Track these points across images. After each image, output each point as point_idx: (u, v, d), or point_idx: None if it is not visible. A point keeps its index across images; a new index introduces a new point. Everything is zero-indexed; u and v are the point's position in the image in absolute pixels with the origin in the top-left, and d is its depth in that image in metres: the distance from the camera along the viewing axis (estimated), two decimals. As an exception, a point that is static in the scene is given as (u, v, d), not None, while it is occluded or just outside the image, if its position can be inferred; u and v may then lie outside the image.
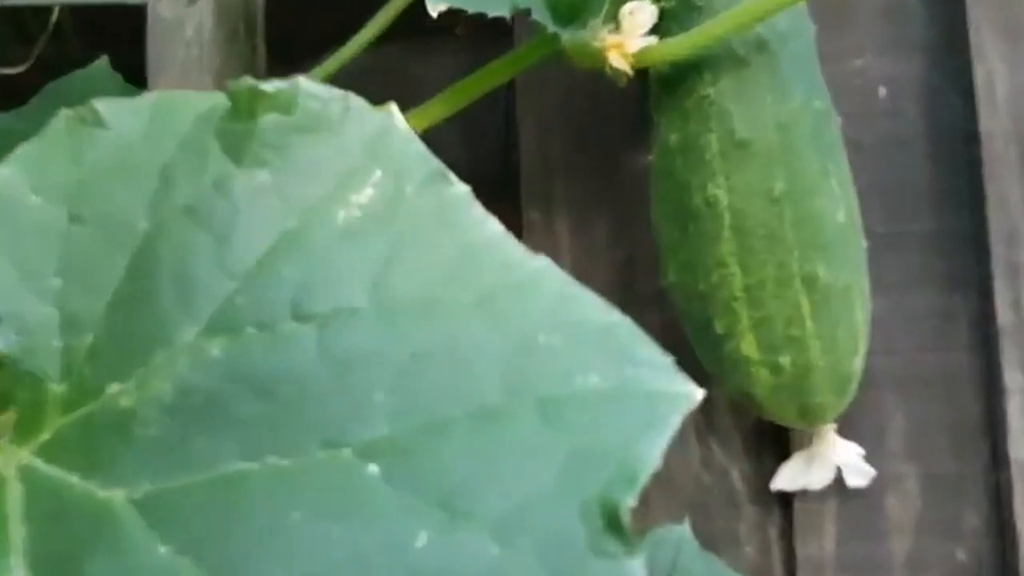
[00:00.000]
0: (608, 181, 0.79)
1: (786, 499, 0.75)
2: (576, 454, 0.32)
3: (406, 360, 0.34)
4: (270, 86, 0.37)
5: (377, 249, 0.36)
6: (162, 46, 0.65)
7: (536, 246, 0.78)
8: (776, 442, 0.76)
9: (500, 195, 0.82)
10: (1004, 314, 0.73)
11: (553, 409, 0.33)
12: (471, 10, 0.58)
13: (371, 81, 0.83)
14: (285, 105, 0.38)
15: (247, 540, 0.33)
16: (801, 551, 0.75)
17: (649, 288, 0.75)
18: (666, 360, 0.34)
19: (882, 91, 0.78)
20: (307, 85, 0.38)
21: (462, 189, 0.37)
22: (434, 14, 0.57)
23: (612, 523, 0.31)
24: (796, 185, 0.65)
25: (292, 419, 0.34)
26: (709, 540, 0.75)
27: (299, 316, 0.35)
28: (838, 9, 0.79)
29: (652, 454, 0.32)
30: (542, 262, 0.36)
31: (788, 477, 0.72)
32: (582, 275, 0.78)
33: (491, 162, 0.84)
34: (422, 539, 0.32)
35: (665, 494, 0.76)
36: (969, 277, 0.75)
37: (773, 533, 0.76)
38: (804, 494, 0.74)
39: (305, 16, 0.80)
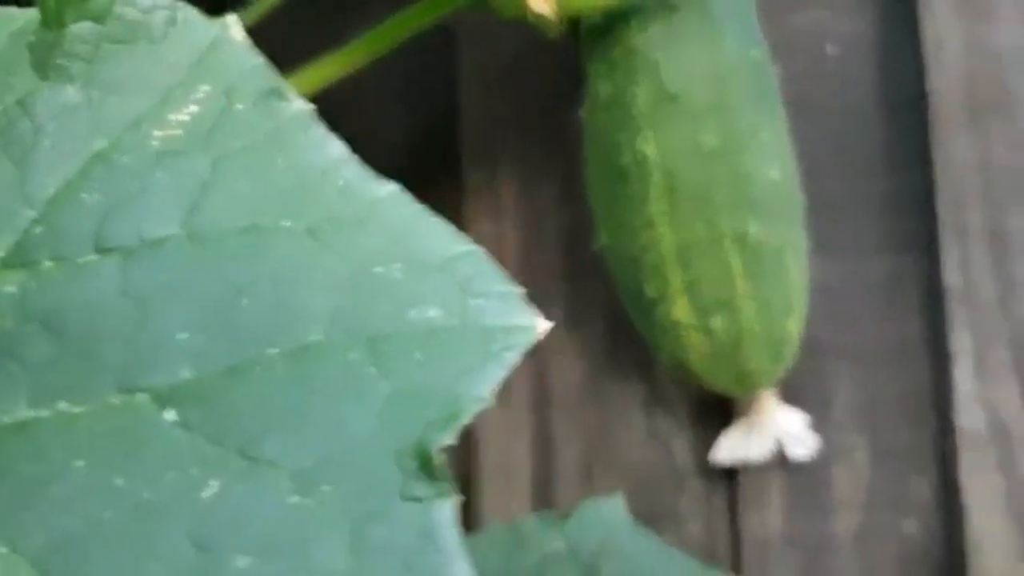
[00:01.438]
0: (556, 139, 0.73)
1: (731, 472, 0.70)
2: (400, 395, 0.27)
3: (220, 295, 0.29)
4: (83, -9, 0.32)
5: (197, 171, 0.31)
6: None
7: (479, 208, 0.74)
8: (723, 412, 0.70)
9: (444, 156, 0.76)
10: (951, 276, 0.68)
11: (383, 347, 0.28)
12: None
13: (301, 30, 0.78)
14: (99, 13, 0.32)
15: (23, 489, 0.28)
16: (746, 526, 0.70)
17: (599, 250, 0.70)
18: (513, 291, 0.29)
19: (830, 48, 0.73)
20: (126, -9, 0.33)
21: (301, 107, 0.32)
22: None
23: (424, 466, 0.26)
24: (728, 141, 0.60)
25: (87, 362, 0.29)
26: (653, 515, 0.70)
27: (102, 247, 0.30)
28: (783, -38, 0.74)
29: (480, 392, 0.27)
30: (390, 188, 0.31)
31: (727, 448, 0.67)
32: (529, 237, 0.74)
33: (434, 122, 0.78)
34: (212, 488, 0.27)
35: (608, 468, 0.72)
36: (920, 240, 0.70)
37: (718, 507, 0.71)
38: (749, 466, 0.69)
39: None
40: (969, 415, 0.67)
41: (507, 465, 0.72)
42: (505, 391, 0.75)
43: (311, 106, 0.32)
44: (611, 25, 0.62)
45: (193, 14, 0.33)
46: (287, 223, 0.30)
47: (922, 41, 0.70)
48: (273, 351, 0.28)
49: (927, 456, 0.69)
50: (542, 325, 0.28)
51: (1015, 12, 0.71)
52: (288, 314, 0.29)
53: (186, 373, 0.28)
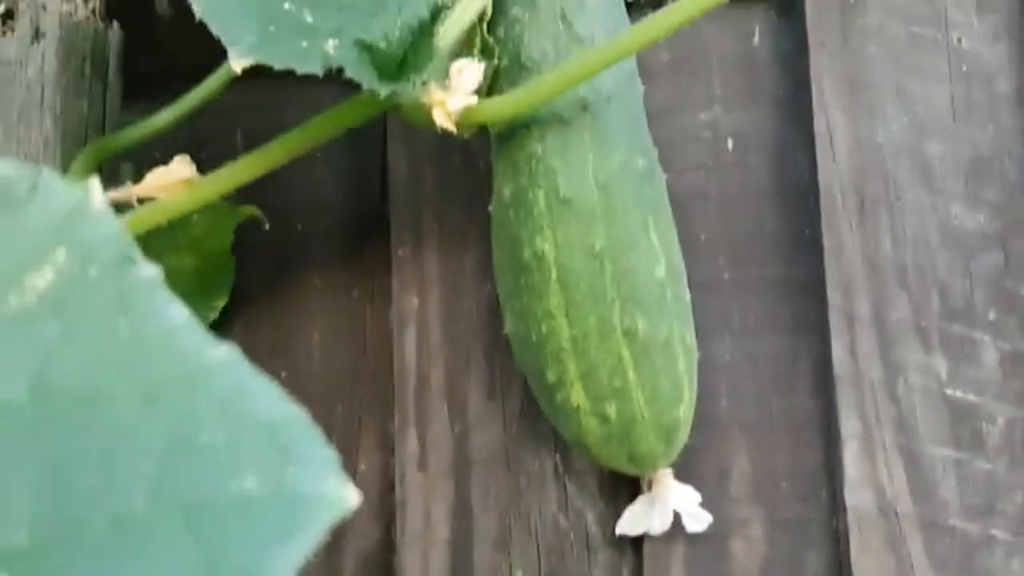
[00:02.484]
0: (479, 219, 0.75)
1: (638, 543, 0.71)
2: (210, 566, 0.28)
3: (57, 460, 0.30)
4: (-60, 164, 0.33)
5: (47, 337, 0.32)
6: (3, 88, 0.61)
7: (406, 282, 0.75)
8: (631, 485, 0.72)
9: (375, 231, 0.78)
10: (840, 361, 0.69)
11: (199, 517, 0.29)
12: (278, 66, 0.53)
13: (236, 119, 0.79)
14: (-41, 185, 0.33)
15: None
16: (650, 594, 0.71)
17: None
18: (329, 458, 0.30)
19: (730, 143, 0.74)
20: (-11, 163, 0.34)
21: (149, 272, 0.33)
22: (238, 70, 0.53)
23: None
24: (615, 242, 0.62)
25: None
26: (565, 581, 0.72)
27: (-50, 411, 0.31)
28: (688, 62, 0.76)
29: (283, 568, 0.28)
30: (222, 352, 0.32)
31: (630, 521, 0.68)
32: (450, 310, 0.76)
33: (367, 200, 0.80)
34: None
35: (524, 537, 0.72)
36: (812, 324, 0.71)
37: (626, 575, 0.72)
38: (653, 537, 0.70)
39: (175, 46, 0.75)
40: (858, 495, 0.68)
41: (427, 529, 0.73)
42: (426, 458, 0.76)
43: (158, 270, 0.33)
44: (515, 132, 0.63)
45: (55, 181, 0.34)
46: (124, 388, 0.31)
47: (814, 138, 0.72)
48: (99, 517, 0.29)
49: (821, 531, 0.70)
50: (353, 499, 0.29)
51: (901, 111, 0.72)
52: (116, 480, 0.29)
53: (23, 538, 0.29)
